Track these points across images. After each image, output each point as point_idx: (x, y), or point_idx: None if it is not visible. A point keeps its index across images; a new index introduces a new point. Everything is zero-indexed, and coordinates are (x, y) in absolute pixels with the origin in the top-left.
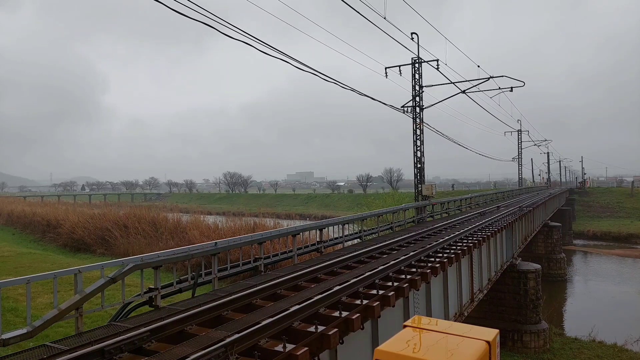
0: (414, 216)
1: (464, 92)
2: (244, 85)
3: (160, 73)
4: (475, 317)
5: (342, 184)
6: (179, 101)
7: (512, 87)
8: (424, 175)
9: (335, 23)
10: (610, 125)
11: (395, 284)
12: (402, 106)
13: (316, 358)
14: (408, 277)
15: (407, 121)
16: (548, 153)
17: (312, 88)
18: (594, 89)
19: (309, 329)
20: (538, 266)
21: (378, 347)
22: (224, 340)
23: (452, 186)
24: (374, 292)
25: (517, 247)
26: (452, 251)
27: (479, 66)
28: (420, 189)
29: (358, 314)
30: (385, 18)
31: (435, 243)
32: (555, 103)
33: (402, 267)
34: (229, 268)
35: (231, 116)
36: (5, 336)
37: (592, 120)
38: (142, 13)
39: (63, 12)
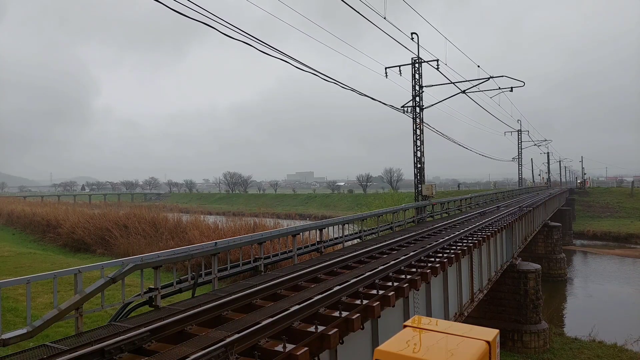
0: (414, 216)
1: (464, 92)
2: (231, 86)
3: (145, 77)
4: (475, 317)
5: (342, 184)
6: (169, 103)
7: (512, 87)
8: (424, 175)
9: (322, 23)
10: (596, 127)
11: (395, 284)
12: (402, 106)
13: (316, 358)
14: (408, 277)
15: (407, 121)
16: (548, 153)
17: (303, 88)
18: (569, 95)
19: (309, 329)
20: (538, 266)
21: (378, 347)
22: (224, 340)
23: (458, 185)
24: (374, 292)
25: (517, 247)
26: (452, 251)
27: (479, 66)
28: (420, 189)
29: (358, 314)
30: (385, 18)
31: (435, 243)
32: (537, 106)
33: (402, 267)
34: (229, 268)
35: (222, 117)
36: (5, 336)
37: (576, 123)
38: (122, 21)
39: (47, 18)
